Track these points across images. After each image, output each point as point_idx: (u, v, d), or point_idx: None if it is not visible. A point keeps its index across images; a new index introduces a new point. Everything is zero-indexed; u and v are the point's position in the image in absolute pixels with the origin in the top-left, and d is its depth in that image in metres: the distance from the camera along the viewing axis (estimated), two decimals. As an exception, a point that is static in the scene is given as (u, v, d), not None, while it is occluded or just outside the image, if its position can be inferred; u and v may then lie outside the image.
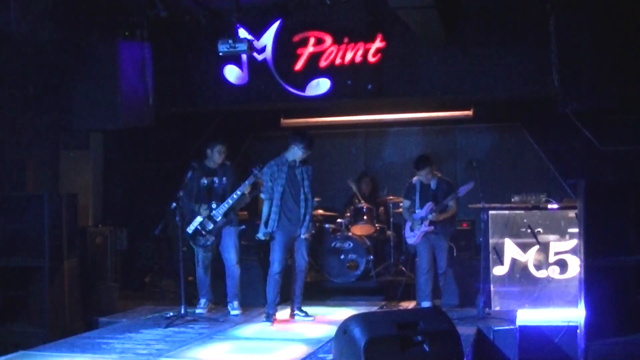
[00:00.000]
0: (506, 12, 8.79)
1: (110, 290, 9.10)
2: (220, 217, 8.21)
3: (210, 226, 8.22)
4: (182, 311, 7.85)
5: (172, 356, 6.36)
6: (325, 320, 7.93)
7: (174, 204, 7.89)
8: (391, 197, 10.36)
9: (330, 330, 6.78)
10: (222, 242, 8.33)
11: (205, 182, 8.31)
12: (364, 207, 10.28)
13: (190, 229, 8.21)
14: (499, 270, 8.25)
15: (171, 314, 7.93)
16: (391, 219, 10.40)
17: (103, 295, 8.92)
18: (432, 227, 8.30)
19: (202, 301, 8.45)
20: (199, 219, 8.21)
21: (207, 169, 8.35)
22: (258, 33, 9.39)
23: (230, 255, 8.32)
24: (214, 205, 8.21)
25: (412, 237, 8.52)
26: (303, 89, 9.44)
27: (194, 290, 8.55)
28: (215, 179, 8.33)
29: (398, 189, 9.20)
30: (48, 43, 9.15)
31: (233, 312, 8.30)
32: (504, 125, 10.99)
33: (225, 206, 8.19)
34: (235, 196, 8.15)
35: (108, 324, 8.18)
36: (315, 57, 9.37)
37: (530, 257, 8.18)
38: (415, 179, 8.51)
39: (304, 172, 7.90)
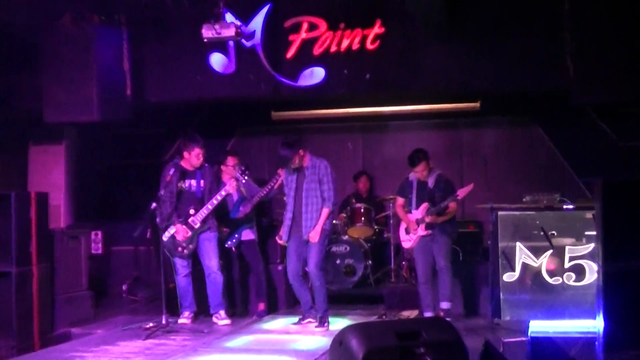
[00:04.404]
0: (516, -4, 8.78)
1: (84, 298, 9.06)
2: (198, 224, 8.18)
3: (188, 233, 8.19)
4: (164, 321, 7.84)
5: (151, 371, 6.36)
6: (320, 330, 7.92)
7: (155, 204, 7.89)
8: (391, 197, 10.32)
9: (325, 342, 6.86)
10: (201, 248, 8.35)
11: (183, 185, 8.31)
12: (362, 207, 10.25)
13: (166, 236, 8.17)
14: (509, 277, 8.22)
15: (151, 324, 7.91)
16: (391, 221, 10.37)
17: (76, 304, 8.87)
18: (430, 232, 8.30)
19: (186, 313, 8.44)
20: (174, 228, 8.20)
21: (184, 171, 8.32)
22: (246, 18, 9.34)
23: (211, 262, 8.35)
24: (192, 211, 8.18)
25: (407, 242, 8.53)
26: (295, 79, 9.40)
27: (176, 298, 8.51)
28: (193, 182, 8.35)
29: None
30: (18, 28, 9.11)
31: (221, 322, 8.30)
32: (514, 119, 10.96)
33: (204, 212, 8.20)
34: (215, 201, 8.23)
35: (82, 335, 8.18)
36: (308, 44, 9.33)
37: (543, 263, 8.15)
38: (412, 174, 8.49)
39: (310, 174, 8.01)
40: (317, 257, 8.00)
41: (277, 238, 8.33)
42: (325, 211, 7.99)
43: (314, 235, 7.93)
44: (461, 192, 8.19)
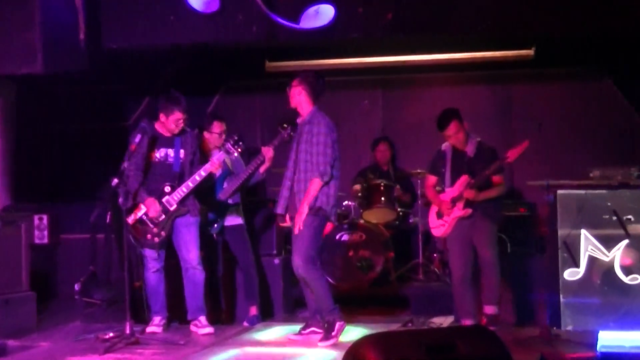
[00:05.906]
0: None
1: (25, 301, 9.00)
2: (175, 206, 8.14)
3: (162, 216, 8.12)
4: (127, 330, 7.75)
5: (111, 395, 6.39)
6: (325, 345, 7.74)
7: (116, 180, 7.77)
8: (418, 171, 10.28)
9: (334, 357, 6.92)
10: (178, 236, 8.30)
11: (157, 155, 8.25)
12: (381, 184, 10.23)
13: (132, 219, 8.15)
14: (571, 274, 8.14)
15: (111, 334, 7.84)
16: (419, 201, 10.31)
17: (15, 308, 8.80)
18: (469, 211, 8.19)
19: (157, 319, 8.42)
20: (143, 206, 8.15)
21: (157, 136, 8.25)
22: (233, -61, 9.37)
23: (190, 254, 8.29)
24: (167, 189, 8.14)
25: (440, 228, 8.48)
26: (297, 20, 9.41)
27: (144, 300, 8.50)
28: (170, 152, 8.28)
29: (427, 158, 9.10)
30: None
31: (201, 331, 8.29)
32: (577, 70, 10.93)
33: (183, 190, 8.17)
34: (197, 178, 8.15)
35: (22, 349, 8.10)
36: (313, -25, 9.37)
37: (616, 256, 8.06)
38: (445, 145, 8.46)
39: (307, 131, 7.73)
40: (303, 246, 7.68)
41: (275, 208, 8.12)
42: (314, 183, 7.61)
43: (298, 219, 7.61)
44: (512, 154, 8.05)
